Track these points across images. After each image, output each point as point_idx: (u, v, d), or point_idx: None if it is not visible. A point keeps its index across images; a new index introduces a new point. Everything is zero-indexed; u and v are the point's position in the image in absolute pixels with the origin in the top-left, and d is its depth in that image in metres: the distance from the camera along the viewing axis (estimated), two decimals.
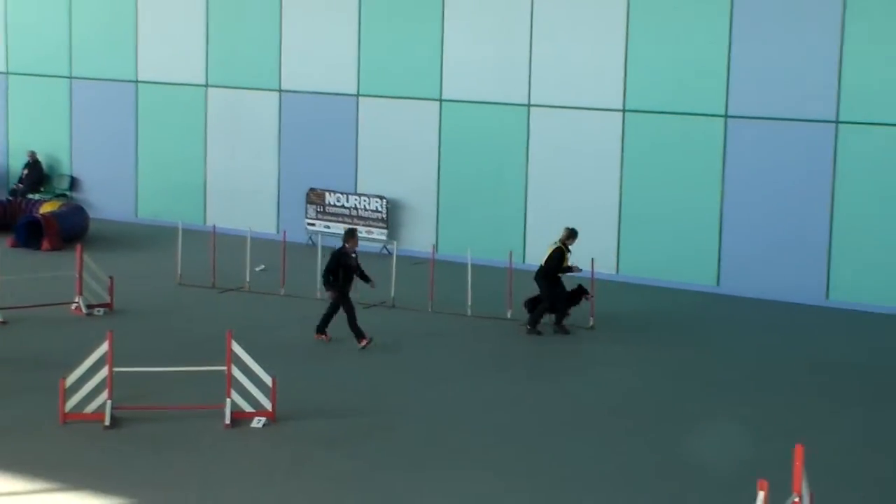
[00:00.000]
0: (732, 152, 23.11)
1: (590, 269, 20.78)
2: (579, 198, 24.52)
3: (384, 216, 26.15)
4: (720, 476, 13.75)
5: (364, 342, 18.65)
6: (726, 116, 23.09)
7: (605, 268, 23.45)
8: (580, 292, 20.48)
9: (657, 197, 23.89)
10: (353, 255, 19.12)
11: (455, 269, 22.43)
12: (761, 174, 22.92)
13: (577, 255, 23.07)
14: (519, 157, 25.15)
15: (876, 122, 21.91)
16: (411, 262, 24.18)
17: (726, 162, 23.18)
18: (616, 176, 24.20)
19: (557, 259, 20.18)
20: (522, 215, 25.17)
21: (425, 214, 26.15)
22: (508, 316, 20.72)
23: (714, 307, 22.16)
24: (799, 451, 11.04)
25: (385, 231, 26.06)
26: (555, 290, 20.20)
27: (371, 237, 25.92)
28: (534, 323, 20.02)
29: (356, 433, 14.89)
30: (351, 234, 19.21)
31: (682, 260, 23.60)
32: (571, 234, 20.46)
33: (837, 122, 22.18)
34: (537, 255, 24.08)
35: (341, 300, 18.87)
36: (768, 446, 14.38)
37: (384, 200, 26.20)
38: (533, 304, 20.29)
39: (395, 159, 26.43)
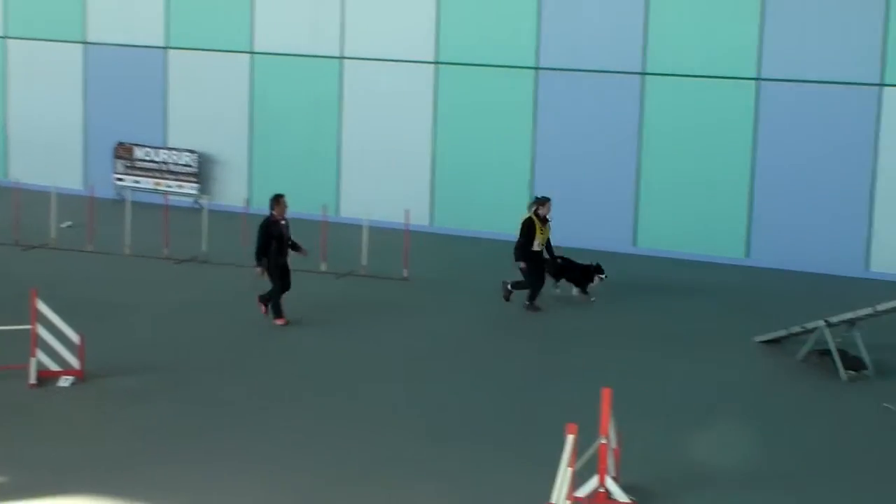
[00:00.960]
0: (543, 104, 23.44)
1: (404, 221, 20.89)
2: (393, 150, 24.63)
3: (195, 170, 25.85)
4: (530, 420, 14.01)
5: (281, 322, 17.35)
6: (537, 68, 23.36)
7: (420, 220, 23.61)
8: (594, 271, 19.40)
9: (470, 149, 24.09)
10: (283, 223, 17.35)
11: None
12: (571, 125, 23.31)
13: (389, 208, 23.10)
14: (332, 110, 25.08)
15: (680, 73, 22.42)
16: (227, 217, 23.92)
17: (537, 113, 23.50)
18: (429, 128, 24.31)
19: (526, 230, 18.42)
20: (336, 168, 25.15)
21: (238, 168, 25.91)
22: (322, 269, 20.69)
23: None
24: (606, 394, 11.42)
25: (197, 185, 25.81)
26: (534, 268, 18.48)
27: (182, 192, 25.63)
28: (530, 299, 18.58)
29: (165, 389, 14.69)
30: (277, 200, 17.36)
31: (494, 211, 23.89)
32: (539, 202, 18.70)
33: (644, 73, 22.65)
34: (351, 208, 24.33)
35: (278, 275, 17.24)
36: (580, 391, 14.64)
37: (195, 155, 25.88)
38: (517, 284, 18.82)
39: (206, 113, 26.08)
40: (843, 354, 15.98)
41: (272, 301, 17.36)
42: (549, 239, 18.80)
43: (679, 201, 22.67)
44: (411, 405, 14.58)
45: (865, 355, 15.93)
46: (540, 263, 18.62)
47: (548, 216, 18.64)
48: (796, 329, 16.72)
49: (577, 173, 23.33)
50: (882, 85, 21.16)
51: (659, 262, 22.34)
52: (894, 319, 17.24)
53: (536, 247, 18.47)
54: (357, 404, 14.53)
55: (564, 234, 23.11)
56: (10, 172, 27.13)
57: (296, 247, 17.58)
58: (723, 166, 22.26)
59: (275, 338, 17.17)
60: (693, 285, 20.85)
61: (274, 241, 17.13)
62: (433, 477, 12.36)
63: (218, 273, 20.68)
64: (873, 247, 21.46)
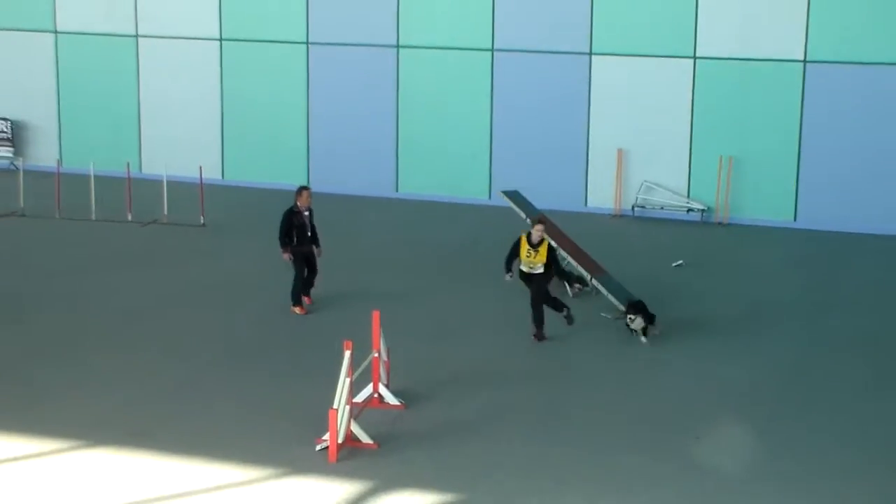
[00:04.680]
0: (313, 77, 23.68)
1: (199, 175, 21.00)
2: (187, 108, 24.30)
3: (9, 136, 25.55)
4: (315, 342, 14.71)
5: (298, 310, 16.30)
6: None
7: (213, 174, 23.72)
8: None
9: (254, 104, 23.94)
10: (306, 214, 16.21)
11: (79, 180, 22.03)
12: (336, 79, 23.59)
13: (185, 163, 23.15)
14: (130, 78, 24.89)
15: (429, 45, 23.11)
16: (42, 176, 23.52)
17: (309, 84, 23.62)
18: (216, 85, 24.11)
19: (512, 246, 15.29)
20: (137, 126, 24.96)
21: (48, 132, 25.44)
22: (129, 219, 20.77)
23: None
24: (376, 315, 12.35)
25: (12, 150, 25.51)
26: (531, 290, 15.38)
27: None
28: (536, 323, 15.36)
29: None
30: (300, 193, 16.22)
31: (276, 161, 23.97)
32: (534, 222, 15.27)
33: (398, 46, 23.19)
34: (153, 164, 24.16)
35: (301, 262, 16.17)
36: (355, 312, 15.03)
37: (9, 122, 25.62)
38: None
39: (17, 82, 25.60)
40: (569, 274, 16.87)
41: (293, 288, 16.39)
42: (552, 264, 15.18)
43: (433, 150, 23.16)
44: (210, 331, 14.87)
45: (586, 273, 16.52)
46: (534, 285, 15.18)
47: (542, 238, 14.98)
48: None
49: (345, 123, 23.36)
50: (591, 54, 22.38)
51: (419, 205, 22.66)
52: (610, 242, 18.70)
53: (524, 268, 15.22)
54: (162, 331, 14.87)
55: (334, 180, 23.27)
56: None
57: (315, 241, 16.43)
58: (468, 125, 22.89)
59: (93, 278, 17.18)
60: (447, 223, 21.38)
61: (295, 230, 16.25)
62: (231, 394, 12.64)
63: (34, 225, 20.62)
64: (590, 186, 22.74)
